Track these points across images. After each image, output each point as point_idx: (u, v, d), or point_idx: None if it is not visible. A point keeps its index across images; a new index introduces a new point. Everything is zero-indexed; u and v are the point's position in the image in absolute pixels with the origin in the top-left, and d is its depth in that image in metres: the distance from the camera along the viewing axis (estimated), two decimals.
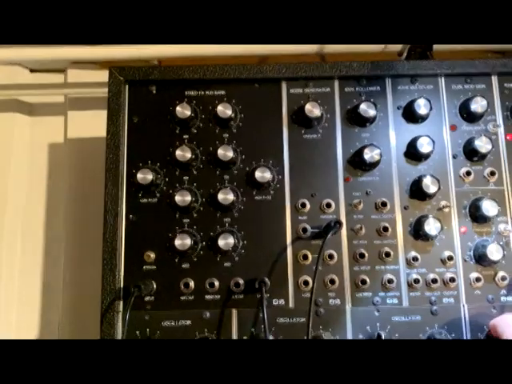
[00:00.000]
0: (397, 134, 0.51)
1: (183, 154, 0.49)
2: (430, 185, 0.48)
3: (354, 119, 0.51)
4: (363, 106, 0.49)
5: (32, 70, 0.76)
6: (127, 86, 0.52)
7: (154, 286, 0.48)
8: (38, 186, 0.73)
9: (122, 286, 0.48)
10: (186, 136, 0.51)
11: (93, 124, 0.73)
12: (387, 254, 0.48)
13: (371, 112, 0.49)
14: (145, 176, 0.48)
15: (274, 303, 0.48)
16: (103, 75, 0.74)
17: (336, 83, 0.52)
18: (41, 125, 0.75)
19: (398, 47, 0.58)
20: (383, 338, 0.46)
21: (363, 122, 0.50)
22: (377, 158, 0.49)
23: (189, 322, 0.48)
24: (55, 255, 0.70)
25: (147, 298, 0.48)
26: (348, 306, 0.48)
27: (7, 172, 0.72)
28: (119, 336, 0.47)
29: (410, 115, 0.51)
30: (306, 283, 0.48)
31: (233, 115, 0.50)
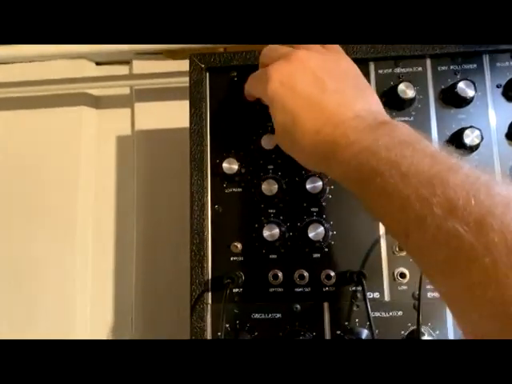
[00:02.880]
0: (497, 115, 0.47)
1: (268, 142, 0.47)
2: None
3: (450, 99, 0.47)
4: (461, 85, 0.46)
5: (98, 63, 0.77)
6: (208, 74, 0.50)
7: (243, 278, 0.47)
8: (107, 178, 0.74)
9: (210, 277, 0.47)
10: (269, 123, 0.49)
11: (159, 115, 0.72)
12: None
13: (470, 92, 0.46)
14: (230, 166, 0.47)
15: (368, 296, 0.45)
16: (168, 65, 0.73)
17: (428, 62, 0.48)
18: (108, 117, 0.76)
19: None
20: None
21: (460, 102, 0.47)
22: (477, 140, 0.45)
23: (279, 315, 0.46)
24: (126, 248, 0.71)
25: (236, 290, 0.47)
26: None
27: (76, 165, 0.73)
28: (209, 329, 0.46)
29: None
30: (402, 275, 0.45)
31: None
